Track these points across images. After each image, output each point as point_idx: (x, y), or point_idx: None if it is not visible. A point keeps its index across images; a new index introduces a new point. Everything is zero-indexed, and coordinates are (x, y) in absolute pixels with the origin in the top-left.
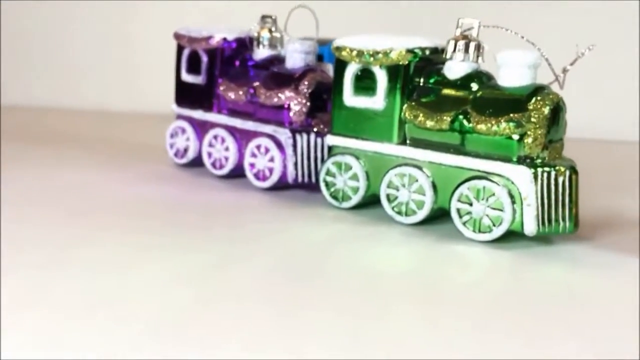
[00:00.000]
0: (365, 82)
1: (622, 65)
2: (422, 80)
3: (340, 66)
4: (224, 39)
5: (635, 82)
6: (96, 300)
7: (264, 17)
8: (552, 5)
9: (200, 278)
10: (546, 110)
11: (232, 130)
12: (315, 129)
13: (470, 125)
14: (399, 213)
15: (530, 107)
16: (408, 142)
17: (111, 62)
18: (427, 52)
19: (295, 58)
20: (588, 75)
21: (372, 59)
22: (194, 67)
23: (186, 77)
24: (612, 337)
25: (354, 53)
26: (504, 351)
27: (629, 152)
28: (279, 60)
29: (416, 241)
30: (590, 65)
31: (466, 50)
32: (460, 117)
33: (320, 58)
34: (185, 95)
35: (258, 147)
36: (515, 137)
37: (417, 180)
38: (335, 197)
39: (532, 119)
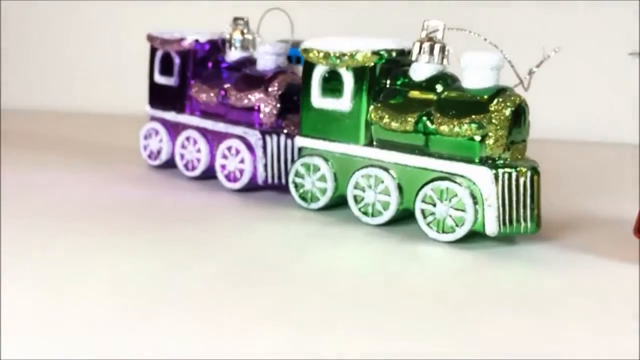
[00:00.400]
0: (332, 83)
1: (594, 66)
2: (388, 81)
3: (308, 68)
4: (196, 41)
5: (607, 83)
6: (41, 299)
7: (236, 19)
8: (522, 6)
9: (151, 279)
10: (507, 111)
11: (204, 131)
12: (285, 131)
13: (433, 126)
14: (365, 214)
15: (492, 109)
16: (375, 143)
17: (87, 64)
18: (394, 54)
19: (266, 60)
20: (560, 77)
21: (338, 60)
22: (166, 69)
23: (159, 79)
24: (566, 336)
25: (321, 55)
26: (452, 350)
27: (599, 153)
28: (250, 62)
29: (380, 241)
30: (562, 66)
31: (431, 52)
32: (424, 118)
33: (298, 60)
34: (158, 97)
35: (229, 148)
36: (477, 138)
37: (382, 182)
38: (304, 198)
39: (493, 121)
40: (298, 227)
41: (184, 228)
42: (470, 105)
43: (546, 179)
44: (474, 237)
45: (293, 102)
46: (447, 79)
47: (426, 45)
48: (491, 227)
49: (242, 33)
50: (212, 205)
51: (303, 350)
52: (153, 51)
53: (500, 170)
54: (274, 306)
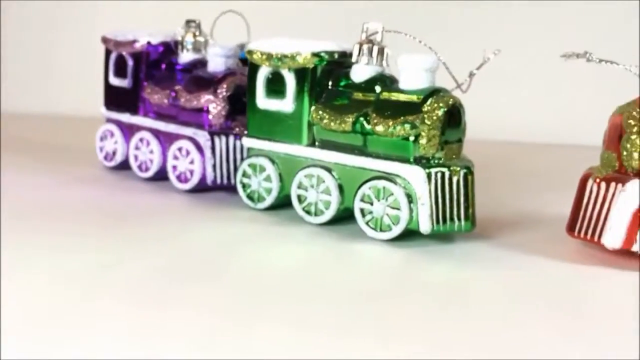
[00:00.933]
0: (275, 85)
1: (539, 67)
2: (330, 83)
3: (253, 70)
4: (149, 43)
5: (549, 84)
6: None
7: (188, 22)
8: (467, 7)
9: (88, 277)
10: (440, 112)
11: (156, 133)
12: (234, 132)
13: (370, 127)
14: (309, 213)
15: (425, 109)
16: (317, 143)
17: (47, 66)
18: (336, 56)
19: (216, 62)
20: (503, 77)
21: (280, 62)
22: (120, 71)
23: (113, 81)
24: (490, 330)
25: (264, 57)
26: (376, 347)
27: (542, 153)
28: (202, 64)
29: (320, 240)
30: (507, 67)
31: (370, 54)
32: (361, 119)
33: None
34: (113, 98)
35: (180, 149)
36: (411, 138)
37: (324, 181)
38: (251, 198)
39: (426, 121)
40: (242, 226)
41: (130, 227)
42: (404, 106)
43: (487, 179)
44: (414, 235)
45: (242, 103)
46: (385, 80)
47: (365, 47)
48: (425, 226)
49: (194, 35)
50: (161, 205)
51: (233, 344)
52: (107, 53)
53: (433, 170)
54: (207, 301)
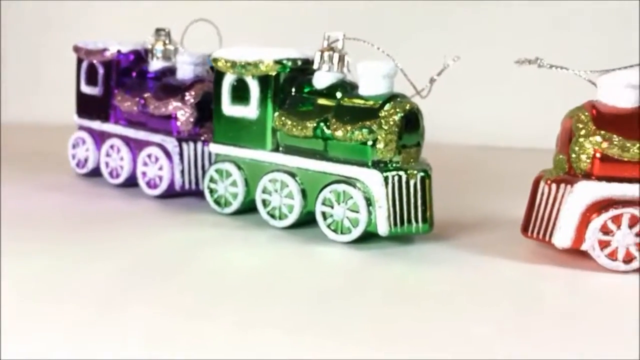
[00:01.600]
0: (240, 92)
1: (501, 72)
2: (294, 89)
3: (218, 77)
4: (119, 51)
5: (516, 89)
6: None
7: (158, 30)
8: (428, 14)
9: (52, 279)
10: (397, 117)
11: (126, 140)
12: (202, 138)
13: (330, 132)
14: (273, 217)
15: (382, 115)
16: (280, 149)
17: (19, 75)
18: (299, 63)
19: (185, 69)
20: (467, 82)
21: (244, 70)
22: (91, 79)
23: (85, 89)
24: (443, 329)
25: (229, 64)
26: (330, 345)
27: (503, 156)
28: (171, 71)
29: (283, 243)
30: (470, 72)
31: (331, 61)
32: (322, 124)
33: None
34: (85, 106)
35: (149, 156)
36: (369, 142)
37: (287, 186)
38: (218, 203)
39: (384, 126)
40: (208, 230)
41: (97, 231)
42: (363, 112)
43: (448, 182)
44: (374, 237)
45: (210, 110)
46: (346, 86)
47: (326, 54)
48: (382, 228)
49: (164, 43)
50: (130, 211)
51: (191, 343)
52: (79, 62)
53: (391, 173)
54: (166, 302)
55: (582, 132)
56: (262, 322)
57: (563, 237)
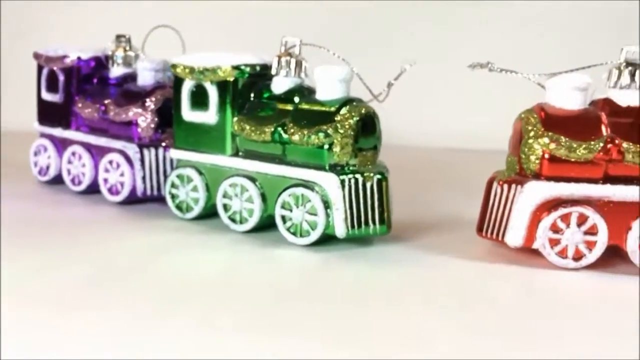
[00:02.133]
0: (199, 97)
1: (461, 75)
2: (253, 94)
3: (178, 83)
4: (79, 58)
5: (475, 92)
6: None
7: (118, 37)
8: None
9: (10, 285)
10: (352, 121)
11: (88, 146)
12: (163, 144)
13: (287, 136)
14: (233, 221)
15: (338, 119)
16: (240, 153)
17: None
18: (258, 69)
19: (145, 76)
20: (435, 88)
21: (202, 75)
22: (52, 86)
23: (46, 96)
24: (397, 328)
25: (187, 70)
26: (285, 345)
27: (464, 159)
28: (132, 78)
29: (243, 247)
30: (431, 76)
31: (289, 66)
32: (279, 129)
33: None
34: (46, 113)
35: (110, 162)
36: (325, 146)
37: (247, 190)
38: (179, 208)
39: (340, 130)
40: (169, 235)
41: (58, 237)
42: (319, 116)
43: (408, 183)
44: (334, 240)
45: (171, 116)
46: (304, 91)
47: (284, 60)
48: (340, 230)
49: (125, 50)
50: (92, 217)
51: (149, 345)
52: (39, 69)
53: (347, 176)
54: (123, 306)
55: (531, 133)
56: (220, 323)
57: (515, 236)
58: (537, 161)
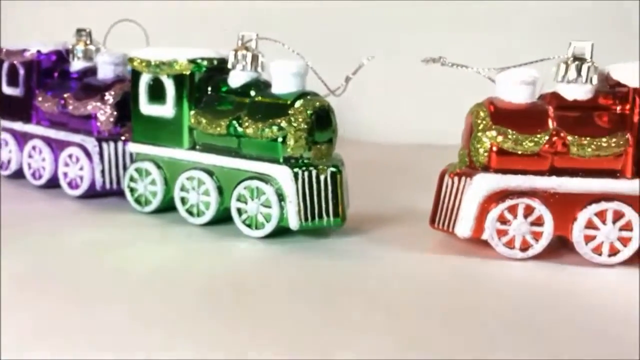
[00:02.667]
0: (156, 91)
1: (419, 72)
2: (210, 88)
3: (135, 76)
4: (39, 52)
5: (434, 88)
6: None
7: (79, 30)
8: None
9: None
10: (306, 114)
11: (48, 140)
12: (123, 137)
13: (242, 129)
14: (191, 214)
15: (291, 112)
16: (197, 147)
17: None
18: (215, 62)
19: (105, 69)
20: (390, 82)
21: (158, 69)
22: (13, 80)
23: (7, 90)
24: (345, 321)
25: (144, 64)
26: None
27: (424, 153)
28: (93, 71)
29: (199, 239)
30: (392, 72)
31: (245, 60)
32: (234, 122)
33: None
34: (7, 107)
35: (70, 156)
36: (279, 139)
37: (204, 183)
38: (138, 202)
39: (293, 123)
40: (126, 229)
41: (15, 232)
42: (274, 109)
43: (367, 177)
44: (291, 232)
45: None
46: (260, 85)
47: (240, 54)
48: (294, 222)
49: (85, 43)
50: (51, 212)
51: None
52: (0, 63)
53: (301, 169)
54: (68, 299)
55: (480, 127)
56: (155, 315)
57: (464, 227)
58: (486, 154)
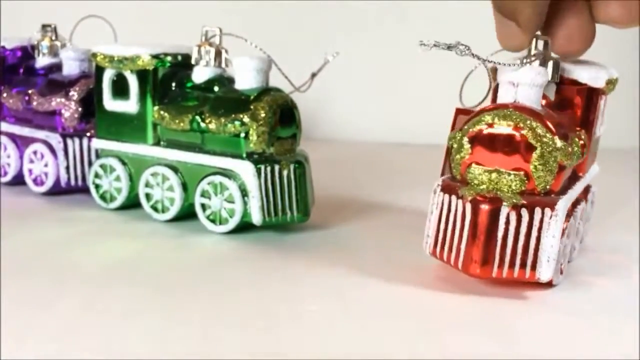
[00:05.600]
0: (120, 86)
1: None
2: (174, 84)
3: (99, 72)
4: (3, 48)
5: (412, 88)
6: None
7: (44, 26)
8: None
9: None
10: (268, 109)
11: (13, 137)
12: (88, 134)
13: (204, 125)
14: (156, 210)
15: (253, 107)
16: (162, 143)
17: None
18: (179, 58)
19: (70, 65)
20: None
21: (122, 64)
22: None
23: None
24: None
25: (107, 59)
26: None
27: (397, 152)
28: (58, 67)
29: (162, 235)
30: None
31: (209, 56)
32: (197, 117)
33: None
34: None
35: (34, 152)
36: (242, 135)
37: (168, 179)
38: (103, 198)
39: (256, 118)
40: (90, 225)
41: None
42: (236, 104)
43: (337, 175)
44: (254, 228)
45: None
46: (224, 80)
47: (203, 49)
48: (256, 217)
49: (50, 39)
50: (14, 209)
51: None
52: None
53: (263, 165)
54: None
55: (549, 146)
56: (105, 307)
57: (549, 270)
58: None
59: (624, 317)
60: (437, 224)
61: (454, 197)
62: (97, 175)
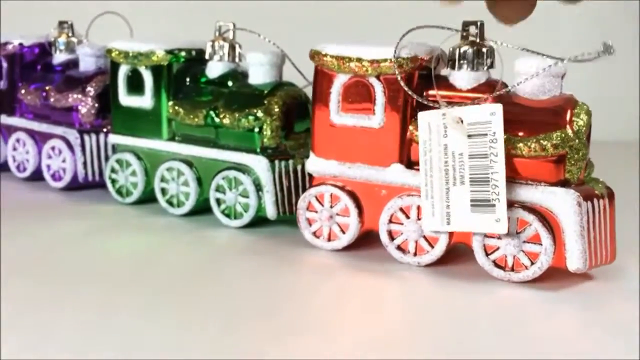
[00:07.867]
0: (135, 82)
1: None
2: (188, 79)
3: (114, 68)
4: (21, 45)
5: None
6: None
7: (61, 23)
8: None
9: None
10: (282, 104)
11: (31, 133)
12: (105, 129)
13: (219, 120)
14: (171, 205)
15: (267, 102)
16: (177, 138)
17: None
18: (193, 53)
19: (87, 61)
20: None
21: (136, 60)
22: None
23: None
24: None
25: (122, 55)
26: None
27: None
28: (75, 64)
29: (177, 229)
30: None
31: (223, 51)
32: (211, 112)
33: None
34: None
35: (52, 148)
36: (256, 129)
37: (183, 174)
38: (120, 193)
39: (269, 113)
40: (106, 219)
41: None
42: (250, 99)
43: None
44: (269, 222)
45: None
46: (238, 75)
47: (217, 44)
48: (271, 212)
49: (67, 36)
50: (34, 204)
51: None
52: None
53: (277, 159)
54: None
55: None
56: (125, 302)
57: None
58: None
59: (624, 316)
60: (587, 234)
61: (595, 200)
62: (113, 170)
